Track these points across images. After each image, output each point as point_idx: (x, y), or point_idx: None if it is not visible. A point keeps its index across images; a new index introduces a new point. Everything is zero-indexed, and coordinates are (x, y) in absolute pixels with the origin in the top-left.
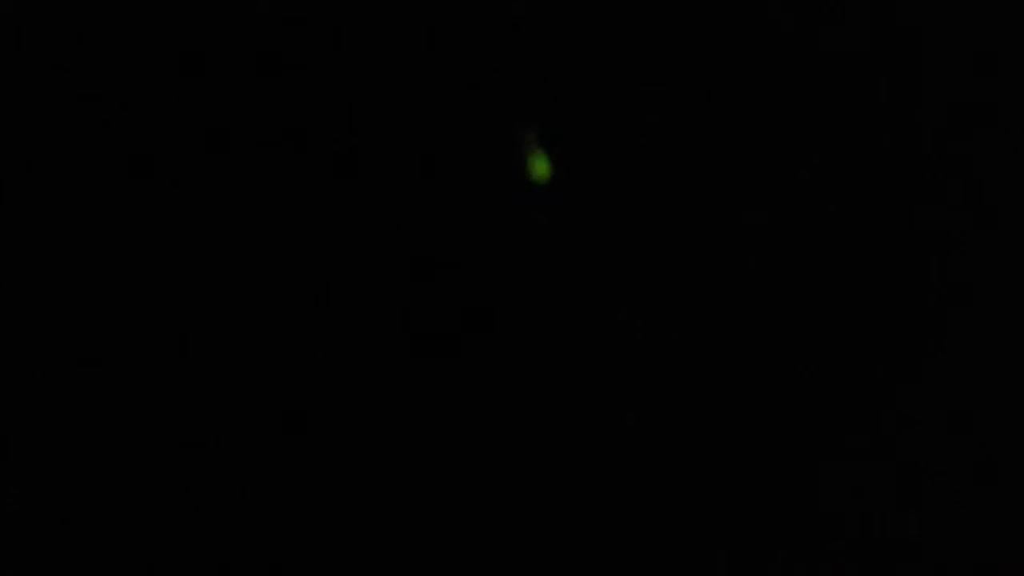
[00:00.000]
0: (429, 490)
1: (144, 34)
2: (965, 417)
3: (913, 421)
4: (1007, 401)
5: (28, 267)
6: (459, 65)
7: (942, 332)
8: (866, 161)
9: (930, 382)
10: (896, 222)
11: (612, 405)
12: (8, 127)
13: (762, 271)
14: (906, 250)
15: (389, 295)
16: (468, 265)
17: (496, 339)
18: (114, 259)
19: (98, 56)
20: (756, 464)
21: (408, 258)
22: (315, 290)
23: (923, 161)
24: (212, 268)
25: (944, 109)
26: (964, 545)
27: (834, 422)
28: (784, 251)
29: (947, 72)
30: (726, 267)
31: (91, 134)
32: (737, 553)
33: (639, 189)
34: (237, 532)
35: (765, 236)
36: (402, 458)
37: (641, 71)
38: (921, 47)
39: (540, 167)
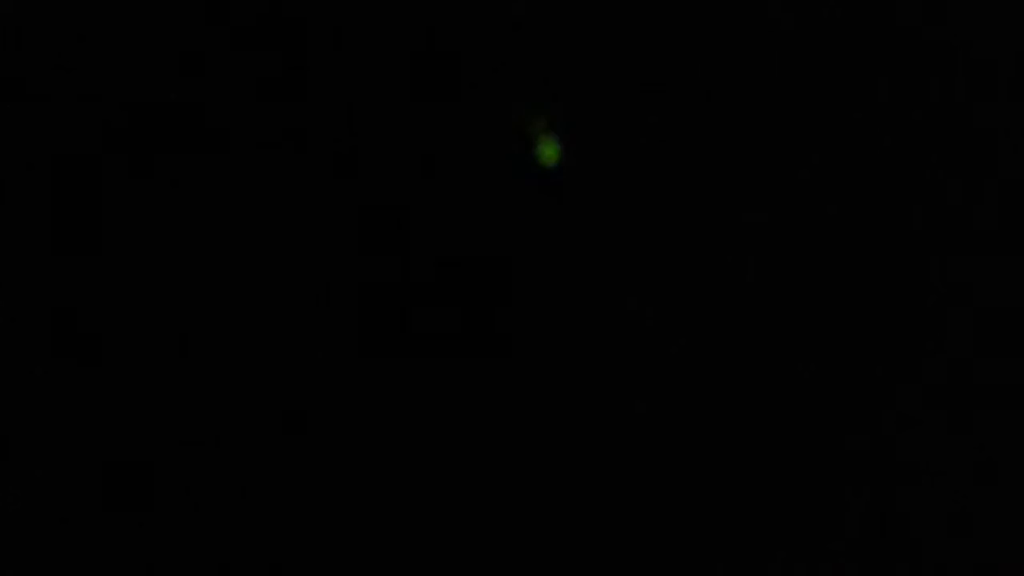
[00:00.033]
0: (429, 488)
1: (144, 34)
2: (965, 417)
3: (913, 421)
4: (1007, 401)
5: (28, 267)
6: (468, 50)
7: (942, 332)
8: (866, 161)
9: (930, 381)
10: (896, 222)
11: (617, 393)
12: (8, 127)
13: (766, 260)
14: (906, 250)
15: (395, 281)
16: (476, 250)
17: (504, 324)
18: (114, 259)
19: (98, 56)
20: (756, 463)
21: (416, 244)
22: (318, 276)
23: (923, 161)
24: (212, 268)
25: (944, 109)
26: (964, 545)
27: (834, 422)
28: (786, 244)
29: (947, 72)
30: (729, 254)
31: (91, 134)
32: (737, 553)
33: (647, 173)
34: (237, 532)
35: (772, 221)
36: (403, 455)
37: (651, 55)
38: (921, 47)
39: (548, 151)
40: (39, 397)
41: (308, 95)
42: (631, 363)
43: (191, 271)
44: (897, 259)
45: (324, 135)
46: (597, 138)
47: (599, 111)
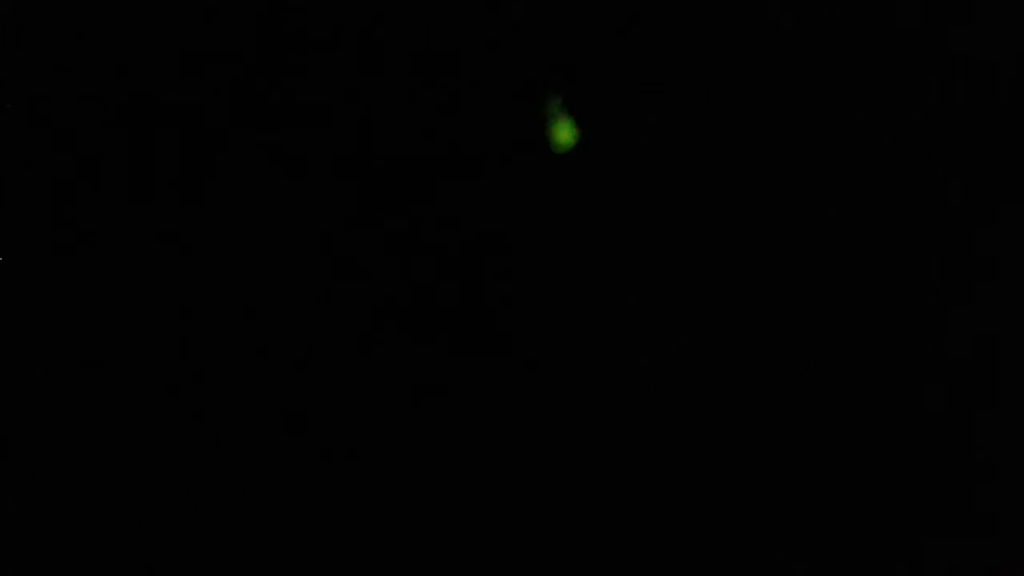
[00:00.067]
0: (429, 488)
1: (144, 34)
2: (965, 417)
3: (913, 421)
4: (1007, 401)
5: (28, 267)
6: (484, 33)
7: (942, 332)
8: (867, 161)
9: (929, 381)
10: (896, 222)
11: (618, 392)
12: (8, 127)
13: (766, 259)
14: (906, 250)
15: (409, 263)
16: (492, 227)
17: (517, 303)
18: (114, 259)
19: (98, 56)
20: (756, 462)
21: (430, 226)
22: (318, 275)
23: (923, 161)
24: (212, 268)
25: (944, 109)
26: (964, 545)
27: (834, 422)
28: (786, 244)
29: (947, 72)
30: (730, 251)
31: (91, 134)
32: (737, 553)
33: (661, 155)
34: (237, 532)
35: (772, 218)
36: (403, 455)
37: (665, 40)
38: (921, 47)
39: (564, 134)
40: (39, 397)
41: (312, 84)
42: (633, 360)
43: (191, 271)
44: (897, 259)
45: (329, 124)
46: (612, 123)
47: (613, 96)
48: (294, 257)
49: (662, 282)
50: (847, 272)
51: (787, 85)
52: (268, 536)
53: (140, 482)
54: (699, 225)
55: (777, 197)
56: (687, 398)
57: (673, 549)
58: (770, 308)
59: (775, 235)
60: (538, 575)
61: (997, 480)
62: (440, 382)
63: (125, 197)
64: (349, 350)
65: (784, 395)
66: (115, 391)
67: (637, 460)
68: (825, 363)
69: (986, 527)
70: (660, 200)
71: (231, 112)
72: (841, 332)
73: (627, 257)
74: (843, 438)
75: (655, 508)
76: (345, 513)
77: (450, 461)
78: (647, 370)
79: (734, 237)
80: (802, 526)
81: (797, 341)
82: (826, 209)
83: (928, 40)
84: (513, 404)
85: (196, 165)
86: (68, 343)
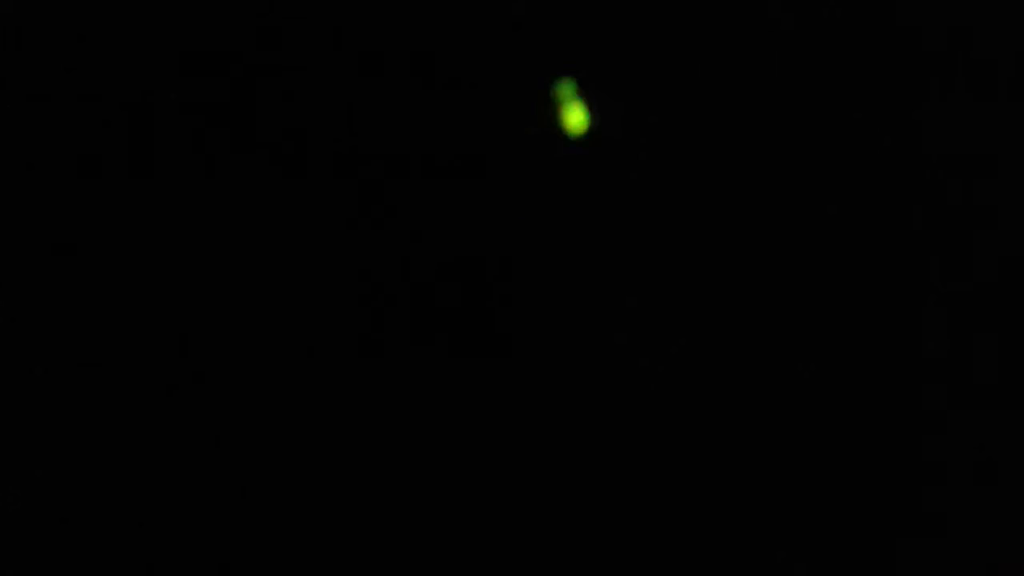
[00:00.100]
0: (429, 488)
1: (144, 34)
2: (965, 416)
3: (913, 421)
4: (1007, 401)
5: (28, 267)
6: (496, 16)
7: (942, 332)
8: (867, 160)
9: (930, 381)
10: (896, 222)
11: (620, 391)
12: (8, 127)
13: (765, 259)
14: (906, 250)
15: (409, 262)
16: (492, 227)
17: (517, 303)
18: (114, 259)
19: (98, 56)
20: (756, 462)
21: (429, 225)
22: (319, 272)
23: (923, 161)
24: (212, 268)
25: (944, 109)
26: (964, 545)
27: (834, 422)
28: (785, 244)
29: (947, 72)
30: (730, 251)
31: (91, 134)
32: (737, 553)
33: (661, 155)
34: (237, 532)
35: (772, 217)
36: (403, 455)
37: (678, 24)
38: (921, 47)
39: (576, 119)
40: (39, 397)
41: (336, 59)
42: (633, 360)
43: (191, 271)
44: (897, 259)
45: (328, 120)
46: (625, 100)
47: (626, 73)
48: (294, 257)
49: (662, 282)
50: (847, 272)
51: (788, 84)
52: (268, 536)
53: (140, 482)
54: (697, 225)
55: (777, 197)
56: (687, 398)
57: (673, 549)
58: (770, 308)
59: (775, 235)
60: (538, 575)
61: (997, 480)
62: (440, 382)
63: (125, 197)
64: (349, 350)
65: (784, 395)
66: (115, 391)
67: (637, 460)
68: (825, 363)
69: (987, 527)
70: (659, 200)
71: (231, 112)
72: (841, 332)
73: (626, 257)
74: (844, 438)
75: (655, 508)
76: (345, 513)
77: (450, 461)
78: (647, 370)
79: (733, 237)
80: (802, 526)
81: (797, 341)
82: (826, 209)
83: (928, 40)
84: (513, 404)
85: (196, 165)
86: (68, 343)
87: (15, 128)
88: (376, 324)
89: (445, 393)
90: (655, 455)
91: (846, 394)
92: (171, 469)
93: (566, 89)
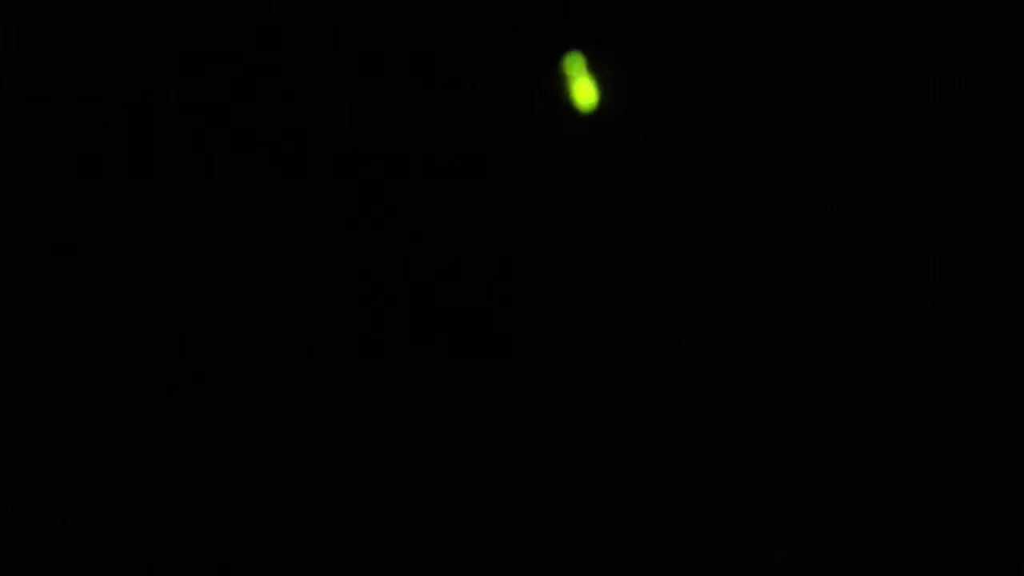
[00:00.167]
0: (429, 489)
1: (144, 34)
2: (965, 416)
3: (912, 421)
4: (1007, 401)
5: (28, 267)
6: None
7: (942, 332)
8: (867, 160)
9: (929, 382)
10: (896, 222)
11: (623, 390)
12: (8, 127)
13: (764, 260)
14: (906, 250)
15: (409, 261)
16: (491, 226)
17: (517, 302)
18: (114, 259)
19: (98, 56)
20: (756, 462)
21: (429, 224)
22: (320, 269)
23: (923, 161)
24: (212, 268)
25: (944, 109)
26: (964, 545)
27: (835, 422)
28: (786, 244)
29: (947, 72)
30: (731, 250)
31: (91, 134)
32: (737, 553)
33: (685, 115)
34: (237, 532)
35: (771, 217)
36: (403, 456)
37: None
38: (921, 47)
39: (585, 93)
40: (39, 397)
41: (337, 48)
42: (633, 360)
43: (190, 270)
44: (897, 259)
45: (327, 116)
46: (635, 74)
47: (636, 47)
48: (293, 256)
49: (662, 282)
50: (847, 272)
51: (789, 84)
52: (268, 536)
53: (140, 482)
54: (696, 226)
55: (777, 197)
56: (687, 398)
57: (673, 549)
58: (771, 308)
59: (776, 234)
60: (538, 575)
61: (998, 480)
62: (440, 382)
63: (125, 197)
64: (348, 350)
65: (785, 395)
66: (114, 391)
67: (637, 460)
68: (825, 363)
69: (986, 527)
70: (659, 200)
71: (231, 112)
72: (841, 332)
73: (625, 257)
74: (844, 438)
75: (655, 508)
76: (345, 513)
77: (450, 461)
78: (647, 370)
79: (733, 237)
80: (802, 526)
81: (798, 341)
82: (826, 209)
83: (928, 40)
84: (513, 404)
85: (195, 165)
86: (68, 343)
87: (15, 128)
88: (376, 324)
89: (445, 392)
90: (655, 455)
91: (846, 394)
92: (171, 469)
93: (575, 64)
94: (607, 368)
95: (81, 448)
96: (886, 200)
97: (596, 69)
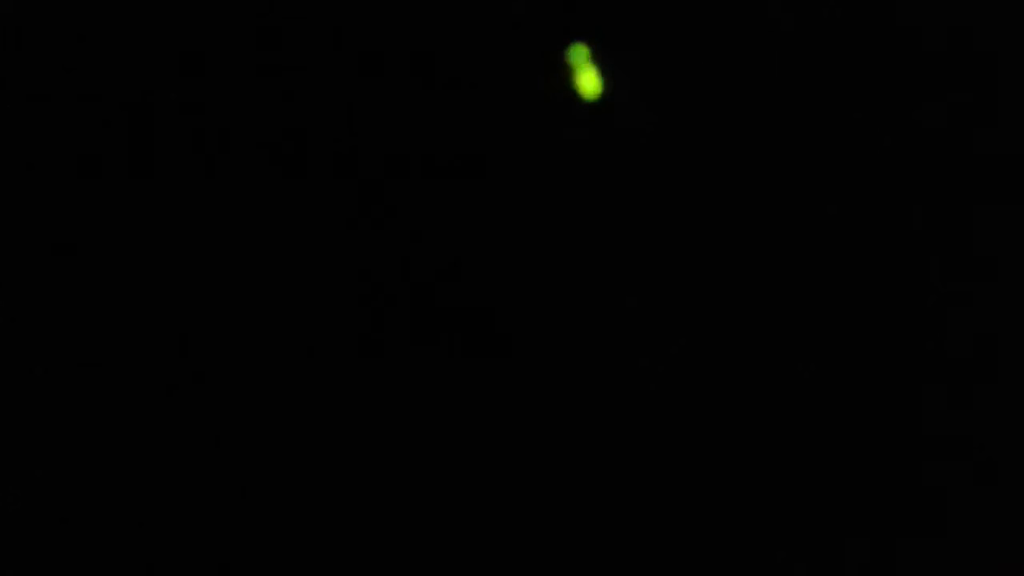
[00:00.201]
0: (428, 489)
1: (144, 34)
2: (965, 416)
3: (913, 421)
4: (1007, 401)
5: (28, 267)
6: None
7: (942, 333)
8: (866, 160)
9: (931, 382)
10: (896, 222)
11: (625, 388)
12: (8, 127)
13: (764, 260)
14: (906, 250)
15: (409, 260)
16: (491, 226)
17: (517, 302)
18: (114, 259)
19: (98, 56)
20: (756, 463)
21: (428, 223)
22: (321, 267)
23: (923, 161)
24: (212, 268)
25: (944, 109)
26: (964, 545)
27: (836, 422)
28: (785, 245)
29: (947, 71)
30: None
31: (91, 134)
32: (737, 553)
33: (689, 105)
34: (237, 532)
35: (771, 216)
36: (403, 456)
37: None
38: (921, 47)
39: (589, 83)
40: (39, 397)
41: (339, 40)
42: (632, 360)
43: (190, 270)
44: (897, 259)
45: (326, 113)
46: (639, 63)
47: (641, 36)
48: (293, 256)
49: (661, 281)
50: (847, 271)
51: (793, 75)
52: (268, 536)
53: (140, 482)
54: (700, 217)
55: (777, 197)
56: (687, 398)
57: (673, 549)
58: (771, 308)
59: (776, 234)
60: (538, 575)
61: (997, 480)
62: (440, 382)
63: (125, 197)
64: (348, 349)
65: (785, 396)
66: (114, 390)
67: (637, 459)
68: (826, 364)
69: (988, 528)
70: (664, 191)
71: (231, 112)
72: (841, 331)
73: (628, 249)
74: (845, 438)
75: (656, 507)
76: (344, 513)
77: (450, 461)
78: (647, 370)
79: (732, 238)
80: (802, 525)
81: (798, 341)
82: (826, 209)
83: (928, 40)
84: (513, 404)
85: (196, 165)
86: (68, 343)
87: (15, 128)
88: (376, 322)
89: (445, 390)
90: (655, 454)
91: (846, 394)
92: (170, 469)
93: (579, 55)
94: (607, 368)
95: (81, 448)
96: (886, 197)
97: (600, 59)
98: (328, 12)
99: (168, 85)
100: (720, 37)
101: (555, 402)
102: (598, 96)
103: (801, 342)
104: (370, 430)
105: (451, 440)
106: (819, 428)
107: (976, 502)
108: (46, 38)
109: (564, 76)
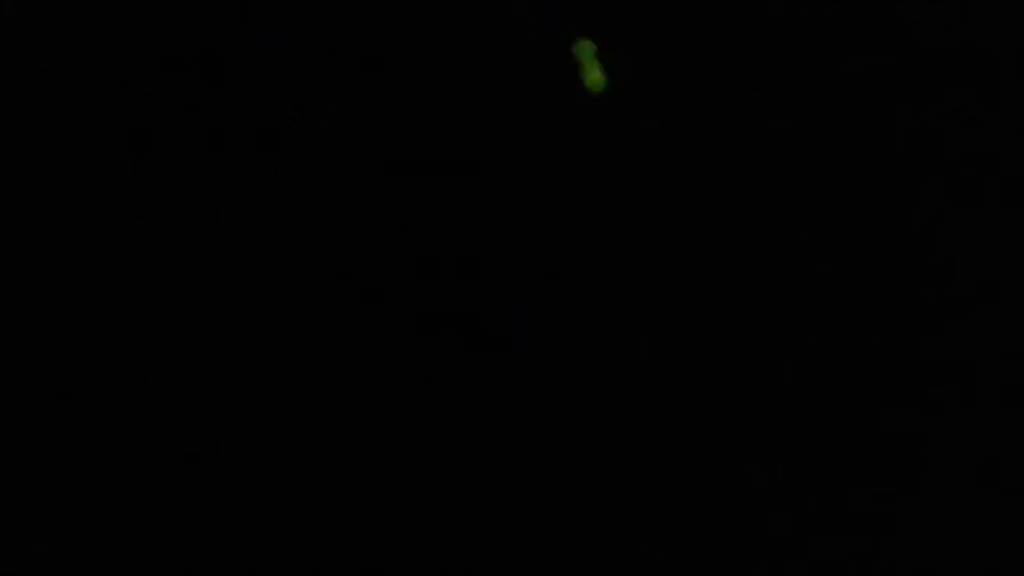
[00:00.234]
0: (428, 489)
1: (144, 34)
2: (965, 416)
3: (912, 421)
4: (1007, 401)
5: (28, 267)
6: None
7: (942, 333)
8: (866, 160)
9: (929, 382)
10: (896, 222)
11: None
12: (8, 127)
13: (765, 260)
14: (905, 250)
15: (409, 259)
16: (517, 180)
17: (516, 301)
18: (114, 259)
19: (98, 56)
20: (757, 463)
21: (428, 222)
22: (322, 264)
23: (923, 161)
24: (212, 268)
25: (944, 109)
26: (964, 545)
27: (837, 422)
28: (785, 245)
29: (946, 71)
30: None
31: (91, 134)
32: (737, 552)
33: (696, 101)
34: (237, 532)
35: (771, 215)
36: (403, 456)
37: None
38: (921, 47)
39: (594, 76)
40: (39, 397)
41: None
42: (632, 359)
43: (190, 270)
44: (897, 259)
45: (326, 111)
46: (645, 56)
47: (646, 28)
48: (293, 256)
49: (661, 280)
50: (847, 271)
51: (798, 71)
52: (268, 536)
53: (139, 482)
54: (704, 213)
55: (777, 196)
56: (687, 397)
57: (674, 549)
58: (772, 308)
59: (776, 234)
60: (538, 575)
61: (997, 480)
62: (439, 381)
63: (124, 197)
64: (347, 349)
65: (785, 394)
66: (114, 390)
67: (637, 459)
68: (827, 364)
69: (988, 528)
70: (669, 187)
71: (231, 112)
72: (842, 331)
73: (632, 245)
74: (845, 438)
75: (656, 507)
76: (344, 513)
77: (449, 461)
78: (646, 369)
79: (733, 238)
80: (801, 525)
81: (798, 340)
82: (826, 209)
83: (928, 40)
84: (512, 403)
85: (195, 165)
86: (68, 343)
87: (14, 128)
88: (376, 322)
89: (444, 390)
90: (653, 456)
91: (846, 393)
92: (170, 468)
93: (585, 50)
94: (608, 368)
95: (81, 448)
96: (886, 197)
97: (606, 55)
98: (329, 10)
99: (168, 85)
100: (726, 33)
101: (555, 402)
102: (604, 92)
103: (801, 342)
104: (370, 430)
105: (451, 440)
106: (819, 428)
107: (976, 502)
108: (46, 38)
109: (570, 72)
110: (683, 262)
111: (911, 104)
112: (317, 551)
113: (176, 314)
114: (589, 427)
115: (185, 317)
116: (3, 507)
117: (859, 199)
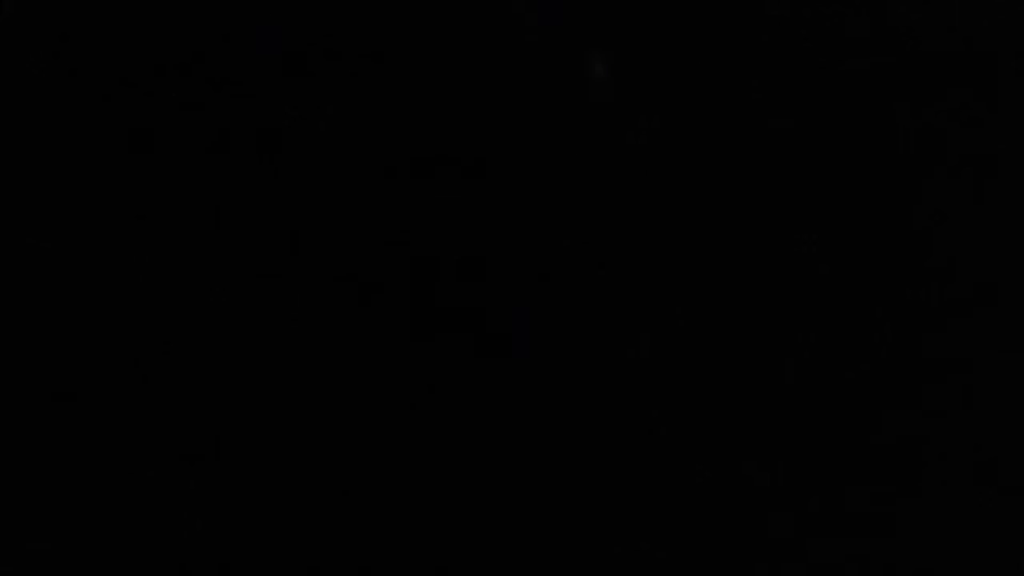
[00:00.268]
0: (428, 489)
1: (144, 34)
2: (965, 415)
3: (912, 421)
4: (1007, 401)
5: (28, 267)
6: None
7: (942, 333)
8: (866, 160)
9: (930, 382)
10: (896, 222)
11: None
12: (8, 127)
13: (765, 260)
14: (906, 250)
15: (409, 259)
16: (520, 183)
17: (516, 301)
18: (114, 259)
19: (98, 56)
20: (757, 463)
21: (427, 223)
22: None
23: (923, 161)
24: (212, 268)
25: (944, 108)
26: (964, 545)
27: (837, 422)
28: (785, 245)
29: (946, 71)
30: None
31: (91, 134)
32: (737, 552)
33: (699, 106)
34: (237, 532)
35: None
36: (403, 456)
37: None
38: (921, 47)
39: (597, 77)
40: (39, 397)
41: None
42: (632, 358)
43: (191, 270)
44: (896, 259)
45: (326, 111)
46: (648, 60)
47: (650, 33)
48: (293, 256)
49: (661, 280)
50: (847, 271)
51: (800, 74)
52: (268, 536)
53: (140, 482)
54: (707, 217)
55: (777, 196)
56: (687, 397)
57: (673, 549)
58: (772, 307)
59: (776, 234)
60: (538, 575)
61: (997, 480)
62: (439, 381)
63: (125, 197)
64: (348, 349)
65: (785, 394)
66: (114, 390)
67: (637, 459)
68: (827, 364)
69: (988, 528)
70: (672, 193)
71: (231, 111)
72: (841, 331)
73: (634, 249)
74: (845, 438)
75: (656, 507)
76: (344, 513)
77: (449, 460)
78: (646, 369)
79: (733, 238)
80: (801, 525)
81: (799, 341)
82: (826, 209)
83: (928, 40)
84: (512, 403)
85: (196, 165)
86: (68, 343)
87: (14, 128)
88: (376, 322)
89: (445, 390)
90: (655, 453)
91: (846, 393)
92: (170, 468)
93: (588, 49)
94: (607, 368)
95: (81, 448)
96: (887, 194)
97: (609, 58)
98: (329, 10)
99: (168, 85)
100: (728, 38)
101: (555, 402)
102: (605, 91)
103: (801, 342)
104: (370, 430)
105: (451, 439)
106: (819, 428)
107: (976, 502)
108: (46, 38)
109: (572, 72)
110: (683, 262)
111: (911, 104)
112: (317, 551)
113: (176, 314)
114: (589, 427)
115: (185, 317)
116: (3, 507)
117: (859, 199)
